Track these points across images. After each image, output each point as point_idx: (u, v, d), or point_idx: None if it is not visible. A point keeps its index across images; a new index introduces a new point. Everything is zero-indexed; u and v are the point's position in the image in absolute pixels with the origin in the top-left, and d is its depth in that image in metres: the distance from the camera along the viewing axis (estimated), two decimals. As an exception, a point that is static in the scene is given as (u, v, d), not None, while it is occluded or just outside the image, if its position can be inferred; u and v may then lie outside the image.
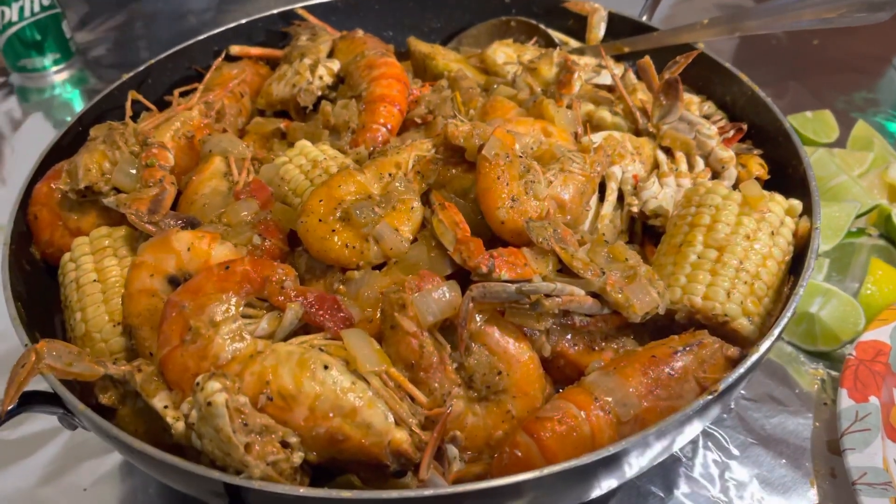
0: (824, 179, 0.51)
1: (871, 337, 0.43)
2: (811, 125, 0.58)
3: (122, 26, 0.84)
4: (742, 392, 0.43)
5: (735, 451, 0.40)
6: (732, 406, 0.42)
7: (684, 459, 0.40)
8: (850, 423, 0.39)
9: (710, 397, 0.29)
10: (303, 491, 0.28)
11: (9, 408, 0.31)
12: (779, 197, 0.37)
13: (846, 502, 0.37)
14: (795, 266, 0.36)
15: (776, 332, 0.31)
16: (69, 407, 0.31)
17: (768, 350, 0.31)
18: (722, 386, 0.29)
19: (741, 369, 0.30)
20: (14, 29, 0.71)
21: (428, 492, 0.27)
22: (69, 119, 0.71)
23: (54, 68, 0.76)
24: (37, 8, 0.71)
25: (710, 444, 0.40)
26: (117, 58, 0.79)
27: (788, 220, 0.37)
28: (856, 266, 0.48)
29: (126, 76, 0.49)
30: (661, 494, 0.38)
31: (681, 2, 0.79)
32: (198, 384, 0.29)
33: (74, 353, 0.32)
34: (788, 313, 0.32)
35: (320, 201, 0.35)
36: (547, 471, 0.27)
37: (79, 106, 0.73)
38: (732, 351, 0.33)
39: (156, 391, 0.31)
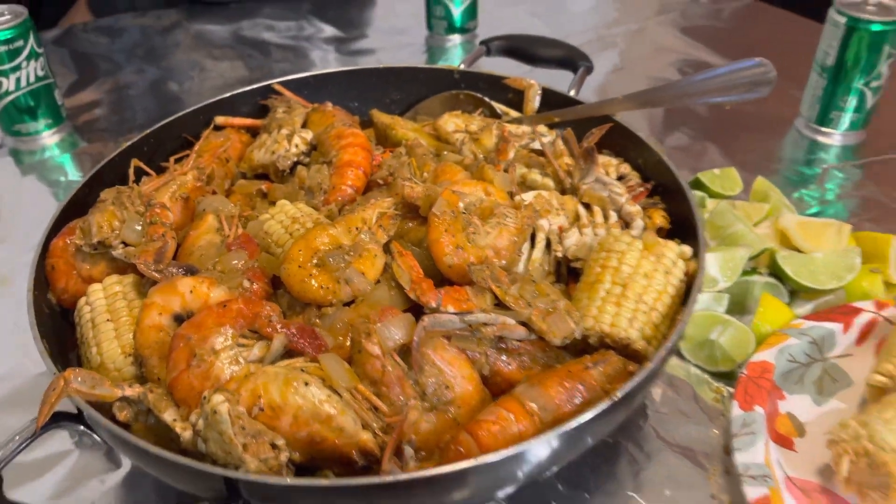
0: (724, 228, 0.60)
1: (759, 358, 0.51)
2: (718, 181, 0.68)
3: (107, 93, 0.91)
4: (658, 409, 0.51)
5: (649, 455, 0.48)
6: (648, 416, 0.50)
7: (605, 463, 0.47)
8: (739, 429, 0.47)
9: (610, 402, 0.36)
10: (289, 481, 0.34)
11: (42, 424, 0.37)
12: (671, 244, 0.45)
13: (734, 493, 0.45)
14: (687, 298, 0.44)
15: (663, 352, 0.39)
16: (91, 422, 0.38)
17: (660, 365, 0.39)
18: (620, 393, 0.37)
19: (636, 380, 0.38)
20: (11, 97, 0.78)
21: (388, 479, 0.34)
22: (62, 179, 0.78)
23: (46, 132, 0.82)
24: (32, 78, 0.78)
25: (629, 448, 0.48)
26: (104, 122, 0.85)
27: (680, 262, 0.45)
28: (750, 300, 0.56)
29: (125, 144, 0.56)
30: (587, 495, 0.45)
31: (615, 71, 0.89)
32: (205, 398, 0.35)
33: (96, 378, 0.38)
34: (675, 337, 0.40)
35: (300, 251, 0.43)
36: (482, 459, 0.34)
37: (69, 166, 0.79)
38: (633, 367, 0.41)
39: (166, 408, 0.37)
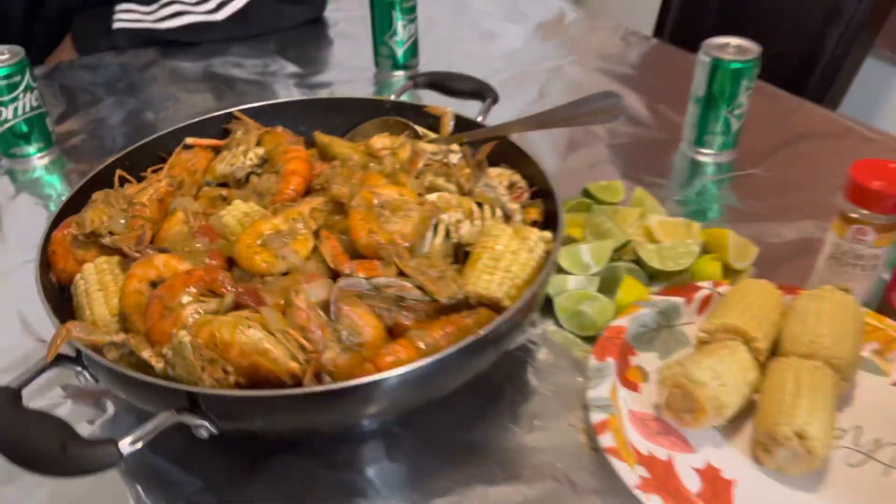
0: (599, 225, 0.73)
1: (616, 323, 0.64)
2: (603, 190, 0.82)
3: (91, 122, 1.03)
4: (538, 365, 0.64)
5: (526, 397, 0.61)
6: (528, 370, 0.63)
7: (489, 403, 0.60)
8: (594, 374, 0.60)
9: (475, 337, 0.50)
10: (236, 392, 0.47)
11: (51, 359, 0.49)
12: (534, 230, 0.59)
13: (587, 421, 0.58)
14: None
15: (519, 303, 0.52)
16: (87, 360, 0.50)
17: (515, 313, 0.52)
18: (483, 331, 0.50)
19: (497, 322, 0.51)
20: (8, 125, 0.90)
21: (308, 389, 0.47)
22: (53, 193, 0.90)
23: (38, 155, 0.94)
24: (28, 108, 0.90)
25: (510, 393, 0.61)
26: (88, 146, 0.97)
27: (542, 244, 0.59)
28: (616, 281, 0.70)
29: (110, 159, 0.69)
30: (477, 424, 0.58)
31: (534, 102, 1.04)
32: (174, 334, 0.48)
33: (90, 328, 0.50)
34: (527, 294, 0.53)
35: (248, 235, 0.55)
36: (378, 376, 0.47)
37: (58, 183, 0.91)
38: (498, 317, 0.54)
39: (144, 348, 0.49)
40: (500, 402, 0.60)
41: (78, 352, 0.50)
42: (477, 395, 0.60)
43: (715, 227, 0.75)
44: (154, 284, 0.54)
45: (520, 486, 0.54)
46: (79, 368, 0.51)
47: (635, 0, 2.03)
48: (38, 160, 0.93)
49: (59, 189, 0.90)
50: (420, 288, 0.54)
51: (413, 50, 1.12)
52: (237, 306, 0.52)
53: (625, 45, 1.21)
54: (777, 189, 0.86)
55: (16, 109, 0.89)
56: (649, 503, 0.50)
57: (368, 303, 0.53)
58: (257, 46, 1.22)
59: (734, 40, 0.88)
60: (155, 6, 1.20)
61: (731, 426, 0.58)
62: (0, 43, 0.90)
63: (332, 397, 0.47)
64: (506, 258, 0.57)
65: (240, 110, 0.76)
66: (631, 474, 0.52)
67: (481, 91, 0.80)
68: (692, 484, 0.54)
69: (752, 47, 0.87)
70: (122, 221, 0.58)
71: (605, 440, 0.55)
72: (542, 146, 0.85)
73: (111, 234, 0.58)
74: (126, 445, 0.43)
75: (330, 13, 1.33)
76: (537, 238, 0.58)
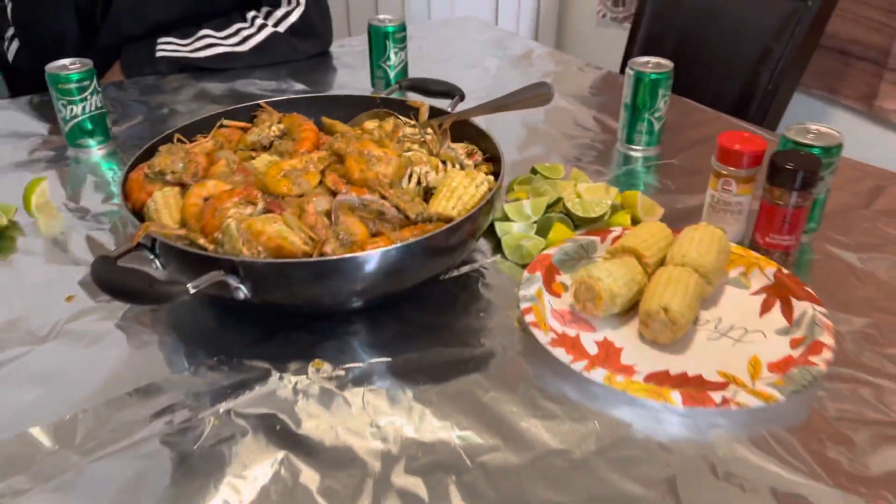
0: (538, 188, 0.95)
1: (545, 252, 0.85)
2: (548, 169, 1.04)
3: (137, 124, 1.26)
4: (489, 284, 0.84)
5: (478, 300, 0.81)
6: (481, 287, 0.83)
7: (449, 303, 0.80)
8: (525, 281, 0.81)
9: (429, 234, 0.71)
10: (266, 260, 0.68)
11: (134, 243, 0.70)
12: (481, 173, 0.81)
13: (520, 315, 0.78)
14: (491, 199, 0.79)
15: (465, 216, 0.74)
16: (159, 248, 0.70)
17: (461, 222, 0.73)
18: (435, 231, 0.71)
19: (449, 225, 0.72)
20: (77, 120, 1.13)
21: (315, 259, 0.68)
22: (109, 175, 1.12)
23: (97, 147, 1.17)
24: (93, 108, 1.13)
25: (466, 297, 0.81)
26: (135, 141, 1.20)
27: (485, 182, 0.80)
28: (549, 228, 0.91)
29: (169, 131, 0.91)
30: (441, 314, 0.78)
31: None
32: (224, 221, 0.69)
33: (162, 226, 0.72)
34: (474, 210, 0.75)
35: (273, 170, 0.77)
36: (362, 253, 0.68)
37: (115, 167, 1.13)
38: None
39: (199, 237, 0.71)
40: (457, 303, 0.81)
41: (153, 241, 0.71)
42: (439, 298, 0.81)
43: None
44: (207, 199, 0.75)
45: (466, 349, 0.74)
46: (152, 256, 0.72)
47: (607, 47, 2.31)
48: (97, 151, 1.16)
49: (115, 171, 1.12)
50: (396, 207, 0.76)
51: (403, 73, 1.36)
52: (266, 212, 0.73)
53: (580, 73, 1.46)
54: (687, 173, 1.08)
55: (84, 108, 1.12)
56: (557, 354, 0.71)
57: (358, 214, 0.75)
58: (273, 72, 1.46)
59: (653, 59, 1.12)
60: (191, 39, 1.44)
61: (624, 316, 0.78)
62: None
63: (329, 266, 0.68)
64: (458, 191, 0.78)
65: (265, 101, 0.99)
66: (545, 336, 0.73)
67: (451, 91, 1.03)
68: (592, 349, 0.74)
69: (666, 63, 1.11)
70: (181, 165, 0.80)
71: (529, 318, 0.75)
72: (504, 142, 1.07)
73: (173, 173, 0.80)
74: (191, 287, 0.64)
75: (334, 48, 1.58)
76: (482, 178, 0.80)
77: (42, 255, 0.89)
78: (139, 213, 0.79)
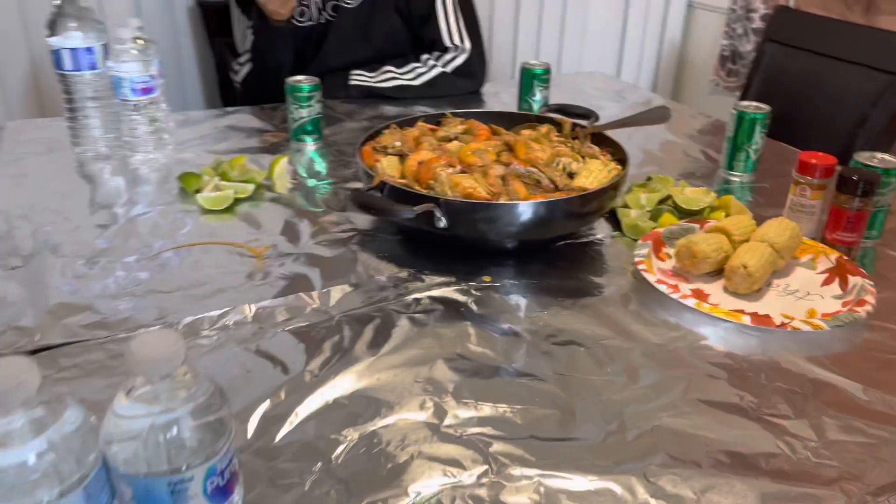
0: (653, 186, 1.24)
1: (656, 229, 1.13)
2: (661, 180, 1.32)
3: (339, 132, 1.63)
4: (606, 254, 1.12)
5: (599, 262, 1.09)
6: (602, 256, 1.11)
7: (576, 266, 1.08)
8: (638, 246, 1.08)
9: (574, 195, 1.00)
10: (459, 199, 0.99)
11: (374, 185, 1.04)
12: (611, 162, 1.10)
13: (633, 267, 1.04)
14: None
15: (598, 187, 1.03)
16: (387, 191, 1.04)
17: (595, 191, 1.01)
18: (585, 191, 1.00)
19: (587, 192, 1.01)
20: (302, 121, 1.50)
21: (494, 201, 0.99)
22: (322, 164, 1.48)
23: (312, 143, 1.53)
24: (314, 113, 1.51)
25: (590, 260, 1.09)
26: (337, 142, 1.57)
27: (614, 169, 1.09)
28: (659, 216, 1.19)
29: (383, 125, 1.25)
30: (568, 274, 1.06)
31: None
32: (437, 172, 1.01)
33: (390, 178, 1.05)
34: (607, 183, 1.03)
35: (466, 148, 1.10)
36: (522, 202, 0.98)
37: (326, 159, 1.49)
38: (589, 195, 1.04)
39: (415, 185, 1.04)
40: (585, 258, 1.09)
41: (382, 185, 1.04)
42: (571, 256, 1.09)
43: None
44: (419, 164, 1.08)
45: (591, 284, 1.02)
46: (377, 192, 1.05)
47: (716, 109, 2.57)
48: (311, 146, 1.53)
49: (324, 161, 1.47)
50: (549, 179, 1.06)
51: (546, 102, 1.68)
52: (461, 173, 1.05)
53: (691, 118, 1.73)
54: (775, 193, 1.33)
55: (308, 112, 1.50)
56: (660, 287, 0.98)
57: (522, 180, 1.06)
58: (436, 101, 1.82)
59: (753, 103, 1.39)
60: (377, 73, 1.83)
61: (713, 275, 1.04)
62: (273, 93, 1.53)
63: (500, 208, 0.99)
64: (594, 173, 1.08)
65: (449, 112, 1.33)
66: (651, 275, 1.00)
67: (588, 113, 1.34)
68: (688, 295, 1.01)
69: (764, 107, 1.37)
70: (398, 142, 1.14)
71: (641, 266, 1.02)
72: (630, 160, 1.35)
73: (394, 146, 1.14)
74: (414, 210, 0.96)
75: (486, 88, 1.93)
76: (613, 167, 1.10)
77: (281, 205, 1.25)
78: (368, 172, 1.13)
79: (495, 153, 1.12)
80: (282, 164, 1.36)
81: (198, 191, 1.26)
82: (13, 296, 0.96)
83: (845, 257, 1.06)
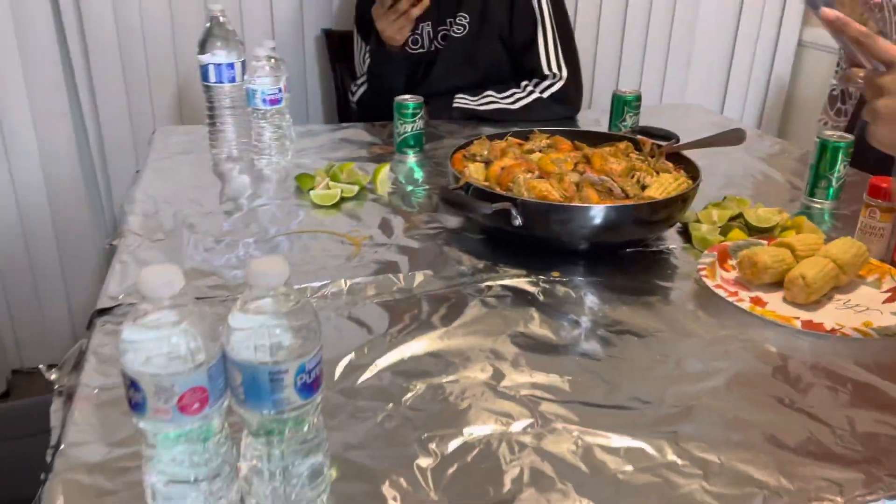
0: (725, 204, 1.30)
1: (722, 243, 1.18)
2: (737, 200, 1.38)
3: (438, 147, 1.78)
4: (677, 261, 1.19)
5: (668, 268, 1.16)
6: (671, 258, 1.19)
7: (646, 270, 1.16)
8: (704, 256, 1.15)
9: (643, 202, 1.09)
10: (533, 200, 1.10)
11: (462, 185, 1.17)
12: (682, 176, 1.18)
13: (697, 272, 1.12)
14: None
15: (666, 197, 1.11)
16: (473, 191, 1.16)
17: (664, 200, 1.10)
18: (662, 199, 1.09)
19: (656, 200, 1.10)
20: (406, 135, 1.66)
21: (566, 203, 1.09)
22: (419, 174, 1.63)
23: (413, 154, 1.69)
24: (417, 128, 1.67)
25: (659, 267, 1.17)
26: (441, 154, 1.71)
27: (685, 183, 1.16)
28: (729, 231, 1.24)
29: (468, 141, 1.39)
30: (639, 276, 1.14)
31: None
32: (516, 176, 1.13)
33: (476, 180, 1.18)
34: (673, 195, 1.12)
35: (545, 158, 1.21)
36: (595, 205, 1.08)
37: (424, 168, 1.65)
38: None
39: (497, 187, 1.16)
40: (654, 265, 1.17)
41: (467, 186, 1.17)
42: (641, 261, 1.18)
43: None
44: (502, 169, 1.20)
45: (657, 286, 1.10)
46: (462, 192, 1.18)
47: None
48: (413, 157, 1.69)
49: (423, 171, 1.62)
50: (621, 188, 1.16)
51: (633, 127, 1.77)
52: (539, 178, 1.17)
53: (785, 150, 1.77)
54: (854, 221, 1.35)
55: (412, 127, 1.66)
56: (718, 292, 1.04)
57: (595, 188, 1.16)
58: (533, 125, 1.94)
59: (837, 132, 1.42)
60: (479, 97, 1.98)
61: (773, 286, 1.09)
62: (385, 112, 1.69)
63: (573, 210, 1.09)
64: (665, 185, 1.17)
65: (536, 129, 1.45)
66: (712, 281, 1.07)
67: (669, 136, 1.42)
68: (745, 300, 1.06)
69: (848, 136, 1.41)
70: (486, 151, 1.27)
71: (703, 273, 1.10)
72: (708, 185, 1.40)
73: (481, 154, 1.27)
74: (493, 207, 1.08)
75: (586, 115, 2.03)
76: (684, 181, 1.18)
77: (380, 205, 1.40)
78: (456, 174, 1.26)
79: (573, 163, 1.22)
80: (384, 171, 1.51)
81: (311, 189, 1.44)
82: (156, 261, 1.15)
83: (911, 278, 1.09)
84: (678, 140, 1.41)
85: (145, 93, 2.19)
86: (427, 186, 1.49)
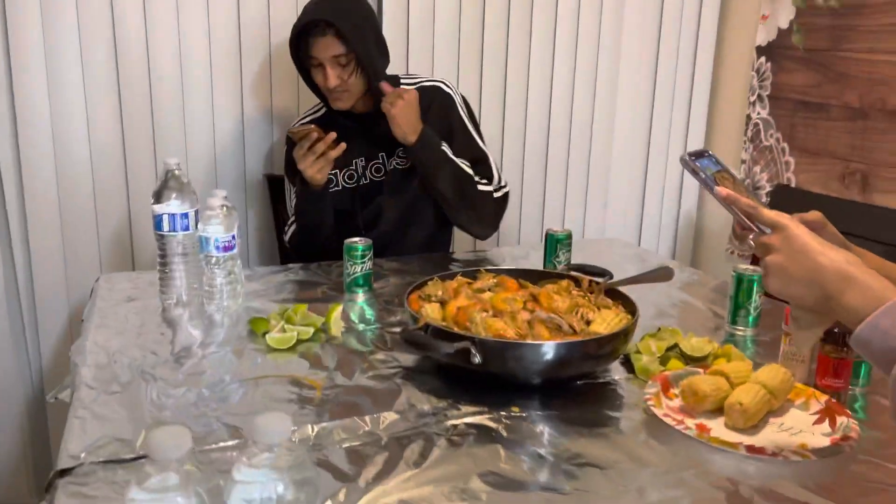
0: (661, 336, 1.40)
1: (664, 372, 1.27)
2: (669, 331, 1.49)
3: (386, 285, 1.84)
4: (626, 389, 1.27)
5: (615, 398, 1.23)
6: (616, 390, 1.26)
7: (595, 402, 1.23)
8: (649, 386, 1.23)
9: (592, 337, 1.17)
10: (491, 339, 1.17)
11: (420, 326, 1.22)
12: (623, 312, 1.28)
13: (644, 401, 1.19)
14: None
15: (611, 332, 1.20)
16: (431, 331, 1.22)
17: (609, 335, 1.19)
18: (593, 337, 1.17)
19: (602, 335, 1.19)
20: (355, 276, 1.73)
21: (520, 341, 1.16)
22: (371, 313, 1.68)
23: (362, 293, 1.74)
24: (366, 269, 1.74)
25: (606, 398, 1.24)
26: (388, 292, 1.78)
27: (626, 318, 1.27)
28: (667, 361, 1.34)
29: (428, 277, 1.47)
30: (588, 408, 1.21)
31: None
32: (473, 315, 1.20)
33: (433, 320, 1.24)
34: (616, 330, 1.21)
35: (497, 297, 1.30)
36: (543, 342, 1.15)
37: (373, 305, 1.70)
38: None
39: (454, 327, 1.22)
40: (601, 400, 1.24)
41: (426, 326, 1.23)
42: (589, 394, 1.25)
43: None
44: (458, 309, 1.27)
45: (606, 417, 1.17)
46: (421, 333, 1.23)
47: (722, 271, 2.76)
48: (362, 296, 1.74)
49: (373, 310, 1.68)
50: (569, 324, 1.24)
51: (569, 261, 1.90)
52: (493, 317, 1.24)
53: (701, 281, 1.93)
54: (775, 346, 1.48)
55: (362, 267, 1.73)
56: (667, 420, 1.12)
57: (545, 325, 1.24)
58: (474, 262, 2.05)
59: (752, 266, 1.58)
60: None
61: (713, 413, 1.18)
62: (316, 250, 1.77)
63: (528, 347, 1.16)
64: (608, 320, 1.26)
65: (483, 269, 1.54)
66: (659, 410, 1.14)
67: (604, 272, 1.54)
68: (692, 427, 1.14)
69: (759, 269, 1.56)
70: (440, 292, 1.35)
71: (650, 402, 1.17)
72: (644, 314, 1.52)
73: (437, 295, 1.34)
74: (454, 347, 1.14)
75: (517, 252, 2.16)
76: (624, 316, 1.28)
77: (335, 346, 1.43)
78: (414, 315, 1.32)
79: (522, 301, 1.31)
80: (337, 311, 1.56)
81: (265, 333, 1.46)
82: (115, 414, 1.13)
83: (832, 400, 1.20)
84: (612, 276, 1.53)
85: (83, 240, 2.19)
86: (379, 325, 1.54)
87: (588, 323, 1.29)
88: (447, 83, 2.05)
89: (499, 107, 2.67)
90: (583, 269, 1.58)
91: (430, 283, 1.41)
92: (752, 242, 0.99)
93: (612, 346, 1.23)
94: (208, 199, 1.58)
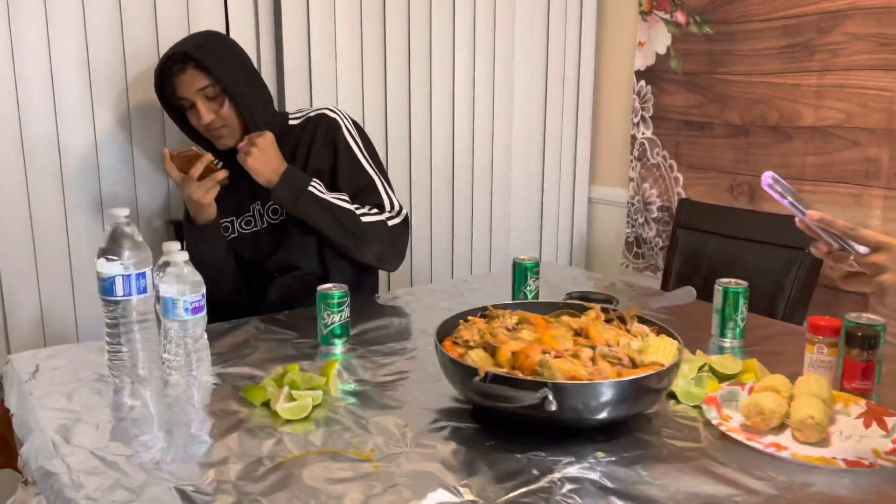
0: (692, 359, 1.40)
1: (710, 395, 1.26)
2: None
3: (356, 343, 1.68)
4: (673, 413, 1.24)
5: (668, 424, 1.20)
6: (663, 416, 1.22)
7: (644, 426, 1.19)
8: (706, 410, 1.21)
9: (656, 371, 1.13)
10: (567, 382, 1.09)
11: (483, 375, 1.10)
12: (673, 342, 1.26)
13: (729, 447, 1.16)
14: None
15: (672, 362, 1.17)
16: (491, 379, 1.11)
17: (670, 366, 1.15)
18: (658, 370, 1.13)
19: (665, 367, 1.15)
20: (333, 326, 1.54)
21: (596, 381, 1.09)
22: (356, 367, 1.52)
23: (341, 345, 1.57)
24: (343, 318, 1.57)
25: (659, 425, 1.20)
26: (368, 339, 1.62)
27: (675, 344, 1.25)
28: (701, 381, 1.33)
29: (451, 315, 1.34)
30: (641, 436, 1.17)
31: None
32: (541, 359, 1.11)
33: (497, 368, 1.13)
34: (675, 360, 1.17)
35: (546, 335, 1.22)
36: (608, 380, 1.09)
37: (355, 360, 1.53)
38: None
39: (518, 373, 1.12)
40: (672, 430, 1.20)
41: (486, 375, 1.12)
42: (657, 429, 1.20)
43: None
44: (512, 353, 1.17)
45: (697, 462, 1.13)
46: (481, 382, 1.12)
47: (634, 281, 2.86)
48: (340, 348, 1.57)
49: (356, 366, 1.51)
50: (628, 357, 1.19)
51: (536, 296, 1.85)
52: (556, 358, 1.15)
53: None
54: (766, 355, 1.54)
55: (340, 317, 1.56)
56: (754, 445, 1.10)
57: (606, 360, 1.17)
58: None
59: (732, 279, 1.63)
60: (333, 194, 1.93)
61: (775, 429, 1.18)
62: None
63: (602, 386, 1.09)
64: (662, 349, 1.23)
65: (491, 306, 1.45)
66: (739, 434, 1.12)
67: (609, 299, 1.51)
68: (786, 448, 1.13)
69: (742, 282, 1.62)
70: (477, 336, 1.24)
71: (723, 428, 1.15)
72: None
73: (474, 340, 1.23)
74: (537, 396, 1.04)
75: (470, 279, 2.08)
76: (672, 342, 1.25)
77: (350, 407, 1.27)
78: (467, 365, 1.19)
79: (571, 333, 1.24)
80: (335, 369, 1.39)
81: (264, 403, 1.26)
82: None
83: (871, 402, 1.25)
84: (618, 302, 1.50)
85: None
86: (385, 377, 1.39)
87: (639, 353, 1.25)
88: (333, 108, 1.92)
89: (405, 134, 2.64)
90: (586, 297, 1.54)
91: (462, 327, 1.29)
92: (853, 263, 1.00)
93: (674, 373, 1.19)
94: (169, 254, 1.35)
